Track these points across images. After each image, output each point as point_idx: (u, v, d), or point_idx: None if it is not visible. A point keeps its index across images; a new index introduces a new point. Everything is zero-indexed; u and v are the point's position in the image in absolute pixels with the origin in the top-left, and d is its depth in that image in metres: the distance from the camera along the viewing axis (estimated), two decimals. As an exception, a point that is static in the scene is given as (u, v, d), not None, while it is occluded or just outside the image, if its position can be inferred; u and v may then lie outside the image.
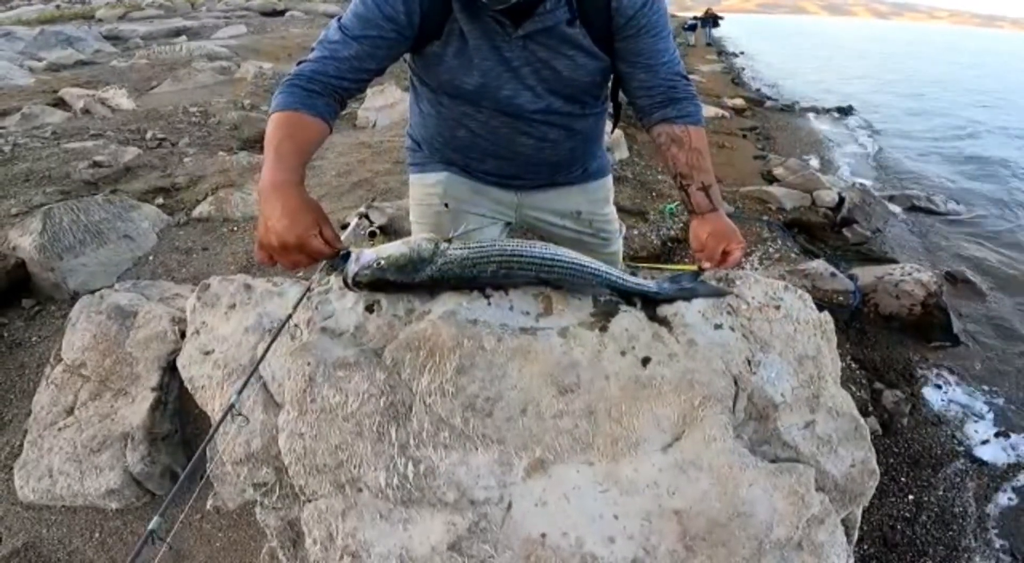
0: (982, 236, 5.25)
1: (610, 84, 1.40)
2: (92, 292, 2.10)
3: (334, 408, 1.07)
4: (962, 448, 2.80)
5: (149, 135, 4.64)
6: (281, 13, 18.28)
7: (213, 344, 1.42)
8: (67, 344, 1.96)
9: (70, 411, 1.83)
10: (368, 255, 1.11)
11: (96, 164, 3.85)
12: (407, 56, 1.29)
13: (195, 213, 3.52)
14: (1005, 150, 9.10)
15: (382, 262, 1.11)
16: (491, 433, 1.02)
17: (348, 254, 1.11)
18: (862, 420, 1.20)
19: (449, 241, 1.16)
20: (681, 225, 3.60)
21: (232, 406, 0.97)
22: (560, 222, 1.58)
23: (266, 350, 1.13)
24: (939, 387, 3.16)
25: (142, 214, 3.27)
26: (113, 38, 11.83)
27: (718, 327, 1.19)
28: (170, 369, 1.81)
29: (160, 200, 3.62)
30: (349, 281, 1.12)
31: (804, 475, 1.06)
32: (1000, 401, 3.15)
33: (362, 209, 1.77)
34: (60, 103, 5.89)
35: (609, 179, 1.64)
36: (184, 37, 12.23)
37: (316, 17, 17.89)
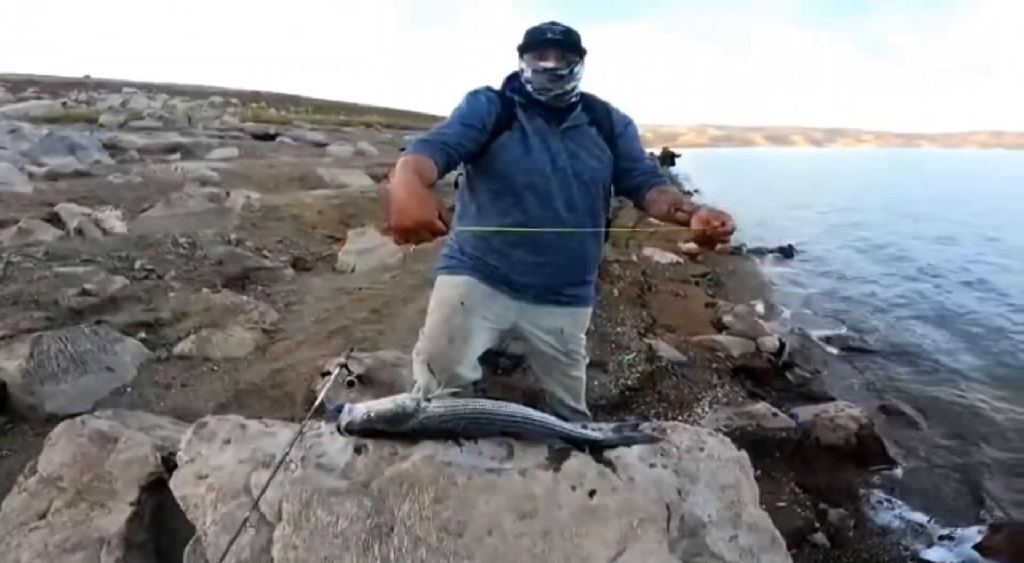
0: (913, 369, 5.67)
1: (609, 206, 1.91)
2: (70, 416, 2.17)
3: (325, 526, 1.24)
4: (909, 553, 2.89)
5: (137, 265, 4.81)
6: (272, 137, 19.08)
7: (207, 470, 1.57)
8: (45, 460, 1.99)
9: (43, 515, 1.82)
10: (360, 410, 1.39)
11: (85, 292, 4.00)
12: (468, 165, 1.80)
13: (176, 350, 3.59)
14: (934, 279, 9.83)
15: (372, 415, 1.39)
16: (462, 550, 1.20)
17: (342, 406, 1.39)
18: (778, 533, 1.43)
19: (429, 400, 1.43)
20: (638, 375, 3.86)
21: (246, 520, 1.13)
22: (545, 337, 1.92)
23: (266, 484, 1.31)
24: (881, 503, 3.32)
25: (125, 347, 3.37)
26: (112, 147, 12.24)
27: (652, 466, 1.45)
28: (148, 488, 1.88)
29: (143, 334, 3.69)
30: (342, 429, 1.39)
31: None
32: (939, 511, 3.29)
33: (342, 359, 2.01)
34: (55, 219, 6.05)
35: (590, 310, 2.03)
36: (178, 154, 12.90)
37: (304, 145, 18.61)
